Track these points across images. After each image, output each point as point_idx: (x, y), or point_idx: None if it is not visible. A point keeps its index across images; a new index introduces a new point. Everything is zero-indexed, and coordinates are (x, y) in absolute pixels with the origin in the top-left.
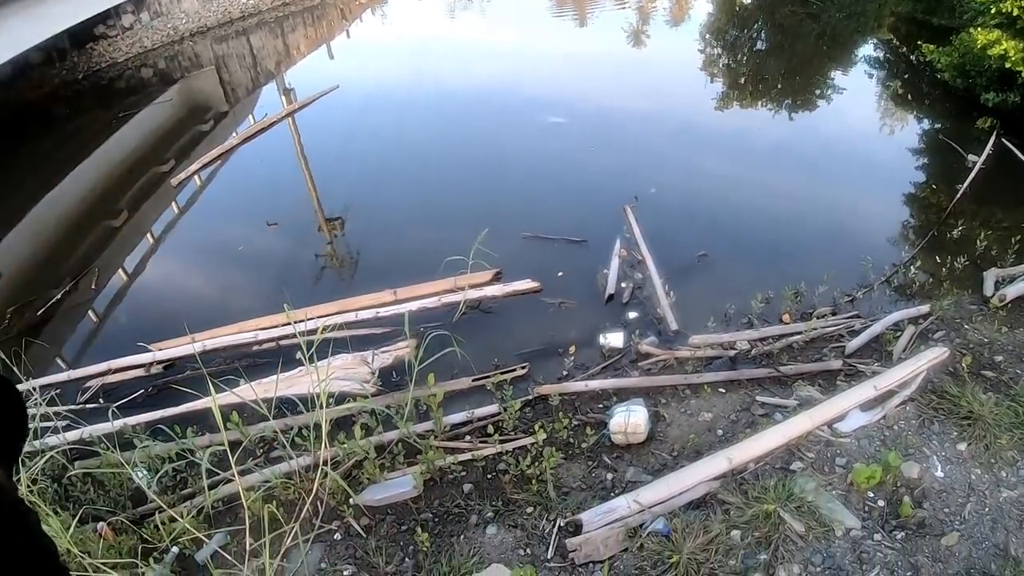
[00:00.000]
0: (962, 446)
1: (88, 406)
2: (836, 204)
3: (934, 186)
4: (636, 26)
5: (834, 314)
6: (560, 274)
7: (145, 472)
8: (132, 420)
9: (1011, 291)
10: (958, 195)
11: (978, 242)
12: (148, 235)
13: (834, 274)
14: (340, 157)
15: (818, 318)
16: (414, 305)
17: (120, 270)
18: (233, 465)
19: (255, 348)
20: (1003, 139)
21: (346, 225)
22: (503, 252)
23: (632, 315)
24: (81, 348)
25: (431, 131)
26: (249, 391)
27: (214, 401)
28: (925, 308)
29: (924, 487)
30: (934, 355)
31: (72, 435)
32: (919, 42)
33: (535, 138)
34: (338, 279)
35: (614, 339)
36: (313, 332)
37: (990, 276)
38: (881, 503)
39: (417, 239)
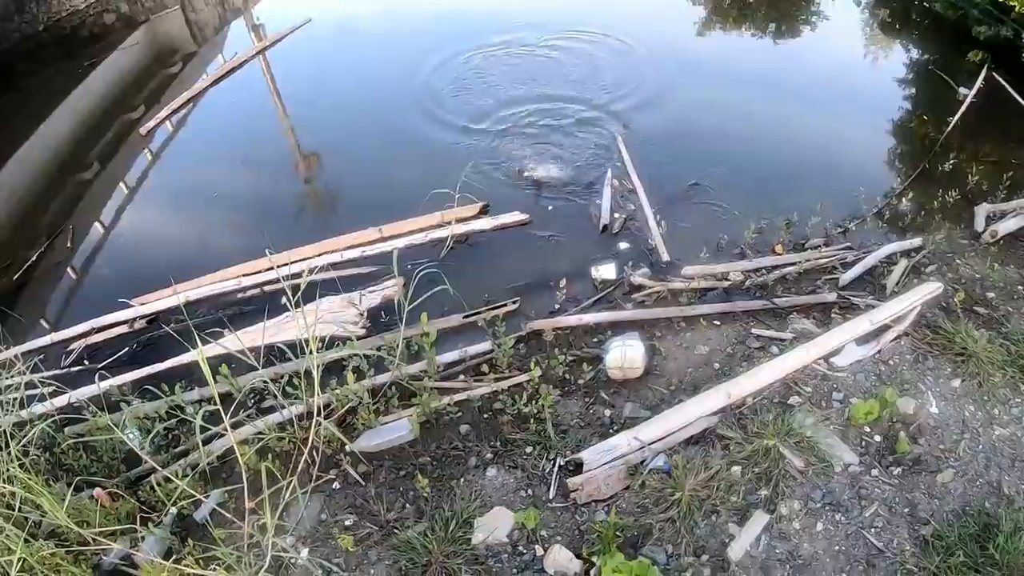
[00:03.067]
0: (956, 383)
1: (73, 369)
2: (826, 133)
3: (924, 117)
4: None
5: (827, 245)
6: (550, 208)
7: (136, 433)
8: (119, 380)
9: (1002, 227)
10: (949, 128)
11: (969, 176)
12: (121, 186)
13: (826, 204)
14: (315, 94)
15: (811, 249)
16: (401, 242)
17: (96, 224)
18: (225, 419)
19: (239, 296)
20: (994, 73)
21: (323, 161)
22: (489, 186)
23: (623, 246)
24: (61, 309)
25: (409, 64)
26: (236, 341)
27: (201, 354)
28: (918, 241)
29: (920, 423)
30: (928, 290)
31: (59, 401)
32: None
33: (520, 68)
34: (320, 219)
35: (606, 271)
36: (298, 276)
37: (981, 212)
38: (878, 439)
39: (400, 175)
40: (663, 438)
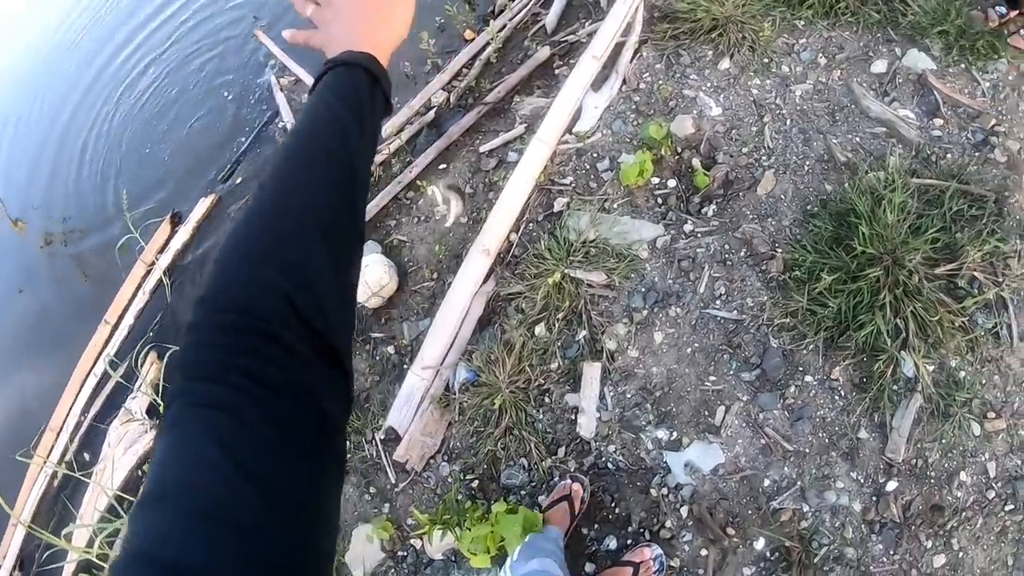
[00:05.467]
0: (725, 63)
1: None
2: None
3: None
4: None
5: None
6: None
7: None
8: None
9: None
10: None
11: None
12: None
13: None
14: None
15: (500, 14)
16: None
17: None
18: None
19: None
20: None
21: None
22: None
23: None
24: None
25: None
26: None
27: None
28: None
29: (707, 137)
30: None
31: None
32: None
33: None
34: None
35: None
36: None
37: None
38: (672, 184)
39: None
40: (451, 345)
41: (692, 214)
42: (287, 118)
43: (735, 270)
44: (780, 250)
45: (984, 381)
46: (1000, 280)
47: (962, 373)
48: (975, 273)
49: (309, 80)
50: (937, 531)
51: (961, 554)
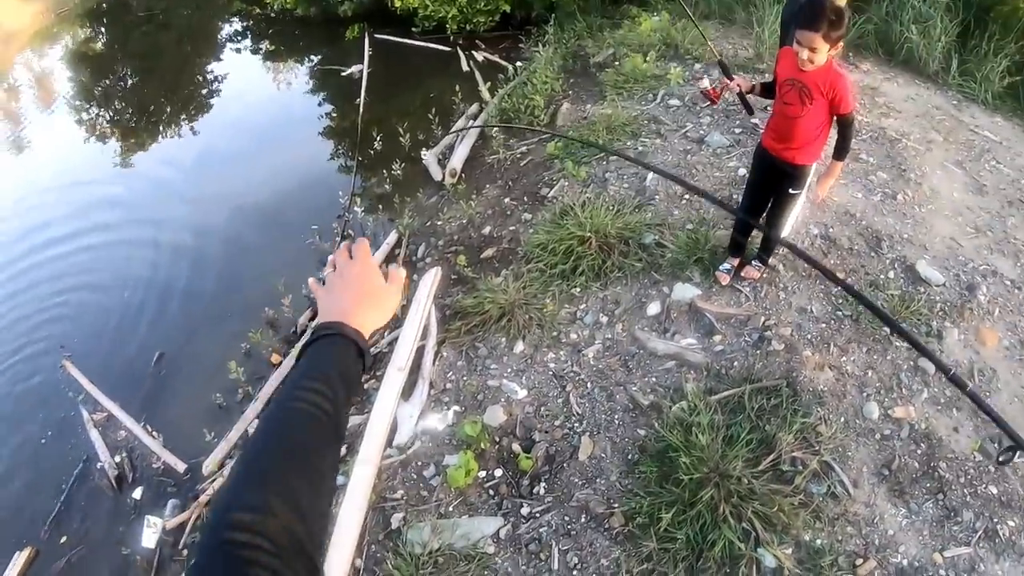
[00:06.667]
0: (519, 346)
1: None
2: (270, 190)
3: (342, 111)
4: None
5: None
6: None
7: None
8: None
9: (455, 161)
10: (361, 109)
11: (401, 139)
12: None
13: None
14: None
15: (303, 334)
16: None
17: None
18: None
19: None
20: (376, 36)
21: None
22: None
23: (138, 494)
24: None
25: None
26: None
27: None
28: (392, 237)
29: (520, 420)
30: (429, 280)
31: None
32: None
33: None
34: None
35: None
36: None
37: (430, 159)
38: (499, 473)
39: None
40: None
41: (526, 497)
42: (104, 457)
43: (581, 537)
44: (616, 505)
45: (840, 537)
46: (817, 448)
47: (818, 541)
48: (794, 454)
49: (123, 418)
50: None
51: None
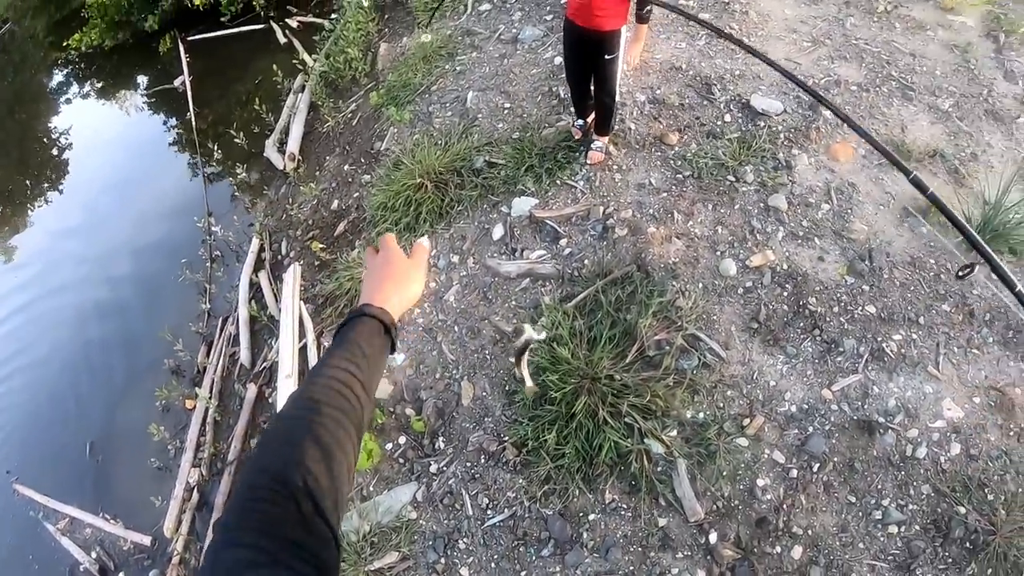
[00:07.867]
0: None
1: None
2: (133, 244)
3: (186, 128)
4: None
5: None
6: None
7: None
8: None
9: (291, 144)
10: (194, 122)
11: (236, 140)
12: None
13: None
14: None
15: (203, 372)
16: None
17: None
18: None
19: None
20: (189, 39)
21: None
22: None
23: None
24: None
25: None
26: None
27: None
28: (255, 243)
29: (404, 385)
30: (290, 280)
31: None
32: (64, 43)
33: None
34: None
35: None
36: None
37: (270, 150)
38: (403, 440)
39: None
40: None
41: (430, 455)
42: (82, 558)
43: (486, 477)
44: (506, 438)
45: (722, 404)
46: (680, 323)
47: (701, 415)
48: (657, 336)
49: (82, 516)
50: (776, 535)
51: (809, 531)
